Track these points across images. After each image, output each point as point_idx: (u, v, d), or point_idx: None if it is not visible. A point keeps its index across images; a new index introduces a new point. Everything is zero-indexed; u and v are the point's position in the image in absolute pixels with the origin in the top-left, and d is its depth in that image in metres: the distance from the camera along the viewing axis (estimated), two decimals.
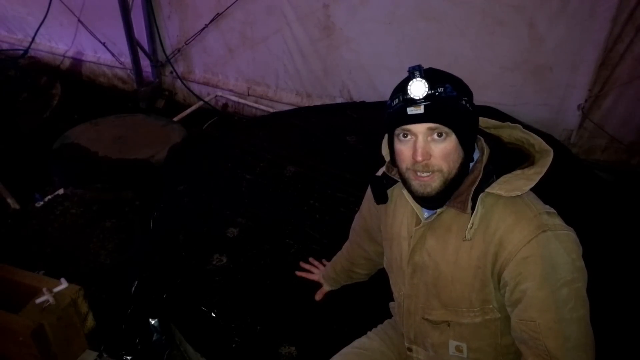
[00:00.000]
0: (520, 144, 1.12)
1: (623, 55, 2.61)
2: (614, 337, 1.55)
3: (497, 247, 1.02)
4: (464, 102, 1.02)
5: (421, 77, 0.99)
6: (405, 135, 1.03)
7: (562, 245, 0.98)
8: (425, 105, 0.98)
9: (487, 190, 1.02)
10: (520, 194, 1.00)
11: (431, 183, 1.03)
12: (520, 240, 0.99)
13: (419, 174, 1.03)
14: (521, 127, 1.12)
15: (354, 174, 2.41)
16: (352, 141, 2.75)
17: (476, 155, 1.09)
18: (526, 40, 2.73)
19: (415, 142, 1.01)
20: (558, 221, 1.02)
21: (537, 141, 1.08)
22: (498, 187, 1.01)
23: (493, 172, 1.04)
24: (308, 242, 1.99)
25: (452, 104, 1.00)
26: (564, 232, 1.00)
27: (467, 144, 1.04)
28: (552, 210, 1.04)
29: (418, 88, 0.99)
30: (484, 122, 1.17)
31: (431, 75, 1.01)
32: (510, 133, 1.14)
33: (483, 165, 1.06)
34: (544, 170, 1.02)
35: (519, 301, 1.01)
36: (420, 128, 1.00)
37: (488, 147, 1.09)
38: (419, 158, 1.00)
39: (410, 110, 0.99)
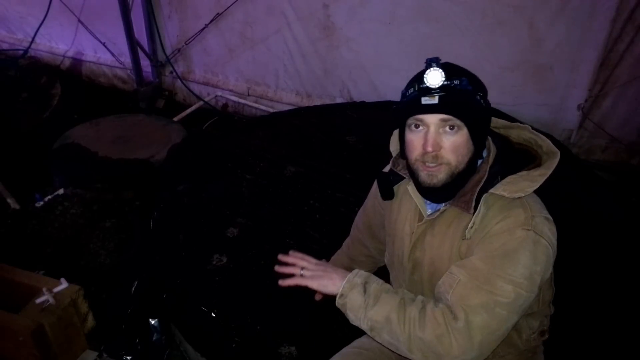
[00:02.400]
0: (529, 144, 1.12)
1: (623, 55, 2.61)
2: (613, 337, 1.57)
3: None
4: (478, 98, 1.02)
5: (438, 67, 1.00)
6: (417, 126, 1.04)
7: (535, 251, 0.97)
8: (440, 96, 0.99)
9: (491, 190, 1.02)
10: (522, 195, 0.99)
11: (437, 174, 1.04)
12: (500, 226, 1.00)
13: (427, 164, 1.04)
14: (530, 127, 1.11)
15: (354, 174, 2.41)
16: (352, 141, 2.75)
17: (484, 154, 1.09)
18: (526, 40, 2.73)
19: (426, 133, 1.02)
20: (547, 230, 1.00)
21: (545, 143, 1.08)
22: (502, 188, 1.01)
23: (498, 172, 1.04)
24: (308, 242, 1.99)
25: (466, 98, 1.00)
26: (545, 242, 0.99)
27: (478, 140, 1.04)
28: (549, 217, 1.03)
29: (435, 77, 0.99)
30: (493, 121, 1.17)
31: (448, 68, 1.01)
32: (519, 133, 1.14)
33: (489, 165, 1.06)
34: (549, 172, 1.02)
35: (461, 263, 1.03)
36: (432, 119, 1.01)
37: (495, 147, 1.09)
38: (429, 148, 1.01)
39: (425, 100, 1.00)
